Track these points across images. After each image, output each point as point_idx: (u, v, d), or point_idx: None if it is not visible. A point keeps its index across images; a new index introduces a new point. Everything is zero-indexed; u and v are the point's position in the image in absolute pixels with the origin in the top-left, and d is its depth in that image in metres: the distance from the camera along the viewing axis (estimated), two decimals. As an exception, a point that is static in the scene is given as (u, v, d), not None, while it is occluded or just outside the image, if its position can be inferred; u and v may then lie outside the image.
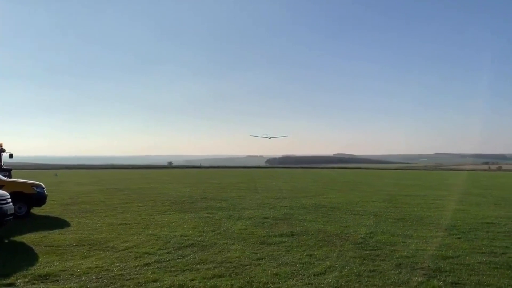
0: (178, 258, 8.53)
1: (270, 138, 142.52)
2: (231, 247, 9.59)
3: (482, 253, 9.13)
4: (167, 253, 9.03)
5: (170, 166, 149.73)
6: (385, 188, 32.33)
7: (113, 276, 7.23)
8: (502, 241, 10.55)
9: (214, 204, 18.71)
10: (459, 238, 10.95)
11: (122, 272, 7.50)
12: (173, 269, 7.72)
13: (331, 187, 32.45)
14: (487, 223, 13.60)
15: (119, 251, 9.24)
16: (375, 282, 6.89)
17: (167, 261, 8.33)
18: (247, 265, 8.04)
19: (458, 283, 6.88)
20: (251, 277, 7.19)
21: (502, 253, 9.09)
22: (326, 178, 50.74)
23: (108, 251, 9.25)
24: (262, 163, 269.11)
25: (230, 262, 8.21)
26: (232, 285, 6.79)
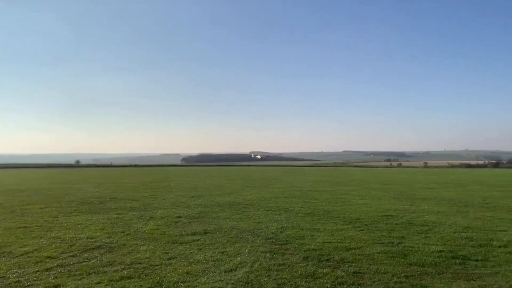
0: (84, 261, 8.12)
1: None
2: (141, 248, 9.33)
3: (381, 243, 9.83)
4: (72, 256, 8.55)
5: (77, 165, 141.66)
6: (297, 184, 33.50)
7: (9, 284, 6.68)
8: (399, 232, 11.44)
9: (124, 204, 18.05)
10: (361, 230, 11.68)
11: (20, 278, 6.96)
12: (77, 272, 7.32)
13: (246, 185, 32.89)
14: (387, 215, 14.67)
15: (17, 256, 8.56)
16: (284, 276, 7.11)
17: (71, 264, 7.88)
18: (158, 265, 7.88)
19: (359, 273, 7.35)
20: (161, 277, 7.06)
21: (399, 243, 9.87)
22: (242, 176, 51.32)
23: (4, 256, 8.52)
24: (178, 162, 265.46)
25: (140, 263, 7.99)
26: (141, 286, 6.61)
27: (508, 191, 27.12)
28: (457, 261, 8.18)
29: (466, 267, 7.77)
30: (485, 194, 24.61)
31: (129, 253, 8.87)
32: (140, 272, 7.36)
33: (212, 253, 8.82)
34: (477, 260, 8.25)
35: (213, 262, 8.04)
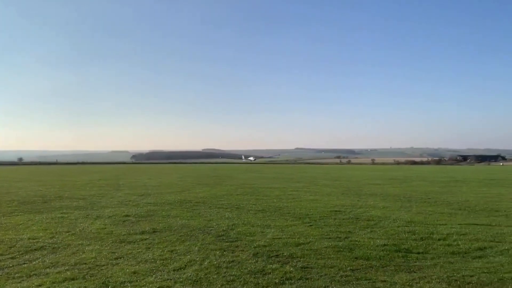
0: (24, 263, 7.74)
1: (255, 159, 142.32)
2: (86, 248, 9.02)
3: (329, 238, 10.08)
4: (11, 258, 8.13)
5: (20, 162, 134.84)
6: (249, 181, 33.67)
7: None
8: (347, 226, 11.77)
9: (70, 203, 17.39)
10: (311, 225, 11.91)
11: (-48, 284, 6.53)
12: (17, 275, 6.97)
13: (198, 182, 32.65)
14: (335, 211, 15.05)
15: (-51, 260, 8.02)
16: (233, 272, 7.12)
17: (10, 267, 7.49)
18: (104, 265, 7.65)
19: (307, 267, 7.49)
20: (107, 278, 6.86)
21: (345, 238, 10.15)
22: (194, 174, 50.90)
23: None
24: (128, 159, 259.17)
25: (85, 264, 7.73)
26: (85, 287, 6.40)
27: (448, 186, 28.60)
28: (400, 254, 8.52)
29: (408, 259, 8.11)
30: (427, 189, 25.83)
31: (74, 253, 8.56)
32: (85, 273, 7.12)
33: (161, 252, 8.68)
34: (418, 253, 8.63)
35: (161, 261, 7.91)
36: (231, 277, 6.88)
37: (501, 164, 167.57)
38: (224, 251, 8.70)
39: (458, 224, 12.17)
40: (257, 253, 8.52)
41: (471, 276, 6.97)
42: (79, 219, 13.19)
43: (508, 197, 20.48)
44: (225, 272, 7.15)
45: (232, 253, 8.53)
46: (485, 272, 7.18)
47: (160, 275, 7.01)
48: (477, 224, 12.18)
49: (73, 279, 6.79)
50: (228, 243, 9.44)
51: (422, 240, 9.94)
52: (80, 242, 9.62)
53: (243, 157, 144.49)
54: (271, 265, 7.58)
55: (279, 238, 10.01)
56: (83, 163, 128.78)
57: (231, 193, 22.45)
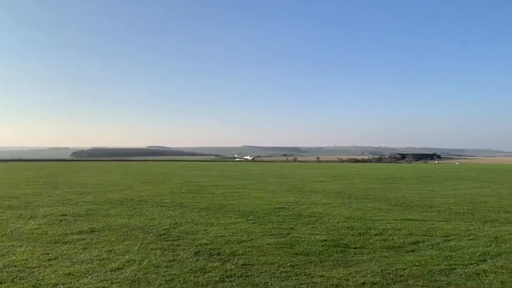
0: None
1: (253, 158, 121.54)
2: (18, 249, 8.55)
3: (272, 235, 10.18)
4: None
5: None
6: (195, 179, 33.35)
7: None
8: (289, 223, 11.95)
9: (1, 203, 16.40)
10: (254, 223, 11.99)
11: None
12: None
13: (142, 180, 31.89)
14: (279, 208, 15.25)
15: None
16: (173, 272, 7.02)
17: None
18: (36, 267, 7.28)
19: (248, 264, 7.53)
20: (39, 280, 6.54)
21: (287, 234, 10.31)
22: (137, 171, 49.66)
23: None
24: (68, 156, 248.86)
25: (15, 266, 7.32)
26: (13, 291, 6.05)
27: (386, 183, 29.82)
28: (339, 249, 8.77)
29: (346, 254, 8.36)
30: (367, 186, 26.81)
31: (3, 255, 8.08)
32: (14, 276, 6.74)
33: (98, 252, 8.39)
34: (356, 248, 8.93)
35: (98, 262, 7.65)
36: (171, 277, 6.77)
37: (437, 162, 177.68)
38: (165, 250, 8.55)
39: (394, 220, 12.71)
40: (199, 251, 8.45)
41: (404, 269, 7.30)
42: (11, 219, 12.48)
43: (440, 194, 21.68)
44: (164, 272, 7.02)
45: (173, 252, 8.41)
46: (416, 265, 7.54)
47: (96, 276, 6.77)
48: (412, 220, 12.78)
49: (1, 283, 6.40)
50: (169, 242, 9.28)
51: (360, 235, 10.29)
52: (11, 244, 9.10)
53: (236, 156, 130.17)
54: (212, 263, 7.54)
55: (222, 236, 9.99)
56: (19, 160, 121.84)
57: (175, 191, 22.12)
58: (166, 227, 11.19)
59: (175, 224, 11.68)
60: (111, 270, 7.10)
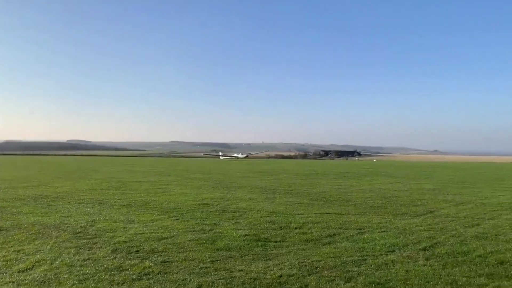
0: None
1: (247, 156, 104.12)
2: None
3: (194, 231, 10.12)
4: None
5: None
6: (118, 175, 32.21)
7: None
8: (213, 219, 11.95)
9: None
10: (177, 219, 11.83)
11: None
12: None
13: (59, 176, 30.17)
14: (204, 204, 15.19)
15: None
16: (87, 271, 6.74)
17: None
18: None
19: (168, 261, 7.42)
20: None
21: (210, 230, 10.30)
22: (55, 166, 46.94)
23: None
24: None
25: None
26: None
27: (309, 179, 30.86)
28: (259, 243, 8.93)
29: (266, 248, 8.54)
30: (292, 181, 27.56)
31: None
32: None
33: (6, 252, 7.83)
34: (276, 242, 9.14)
35: (4, 262, 7.15)
36: (84, 276, 6.50)
37: (357, 159, 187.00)
38: (80, 248, 8.18)
39: (314, 214, 13.19)
40: (116, 249, 8.18)
41: (319, 261, 7.60)
42: None
43: (358, 188, 22.85)
44: (78, 271, 6.72)
45: (89, 250, 8.06)
46: (331, 257, 7.89)
47: (1, 278, 6.32)
48: (330, 213, 13.34)
49: None
50: (85, 240, 8.89)
51: (281, 229, 10.56)
52: None
53: (220, 154, 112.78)
54: (129, 261, 7.34)
55: (141, 234, 9.74)
56: None
57: (95, 187, 21.20)
58: (82, 224, 10.69)
59: (92, 221, 11.19)
60: (19, 271, 6.66)
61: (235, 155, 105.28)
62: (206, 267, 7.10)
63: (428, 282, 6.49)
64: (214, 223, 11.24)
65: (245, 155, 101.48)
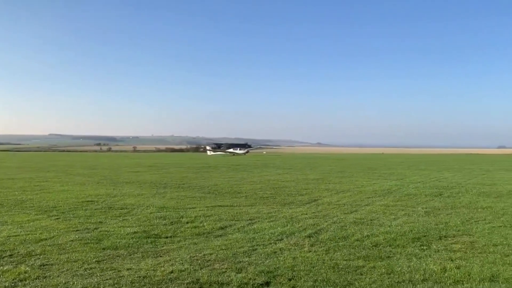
0: None
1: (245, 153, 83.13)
2: None
3: (77, 230, 9.45)
4: None
5: None
6: (-14, 172, 28.86)
7: None
8: (98, 217, 11.28)
9: None
10: (57, 219, 10.95)
11: None
12: None
13: None
14: (88, 201, 14.28)
15: None
16: None
17: None
18: None
19: (47, 264, 6.82)
20: None
21: (95, 229, 9.70)
22: None
23: None
24: None
25: None
26: None
27: (201, 172, 30.87)
28: (149, 240, 8.65)
29: (157, 244, 8.30)
30: (183, 175, 27.28)
31: None
32: None
33: None
34: (167, 237, 8.93)
35: None
36: None
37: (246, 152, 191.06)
38: None
39: (206, 207, 13.19)
40: (-18, 255, 7.28)
41: (211, 254, 7.60)
42: None
43: (249, 180, 23.44)
44: None
45: (-51, 259, 7.06)
46: (223, 249, 7.94)
47: None
48: (222, 206, 13.45)
49: None
50: None
51: (172, 224, 10.36)
52: None
53: (208, 148, 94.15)
54: (1, 267, 6.59)
55: (16, 236, 8.82)
56: None
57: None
58: None
59: (-46, 225, 9.85)
60: None
61: (231, 150, 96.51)
62: (91, 268, 6.65)
63: (313, 268, 6.86)
64: (100, 221, 10.62)
65: (245, 151, 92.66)
